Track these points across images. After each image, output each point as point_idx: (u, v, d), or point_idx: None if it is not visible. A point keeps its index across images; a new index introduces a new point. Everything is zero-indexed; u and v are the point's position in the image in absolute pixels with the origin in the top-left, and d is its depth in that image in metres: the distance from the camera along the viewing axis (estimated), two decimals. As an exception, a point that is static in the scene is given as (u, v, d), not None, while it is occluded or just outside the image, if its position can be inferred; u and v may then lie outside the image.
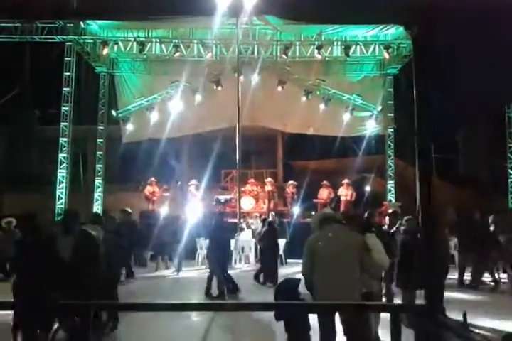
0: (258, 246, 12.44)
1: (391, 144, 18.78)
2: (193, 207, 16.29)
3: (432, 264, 3.03)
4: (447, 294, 6.28)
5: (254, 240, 13.36)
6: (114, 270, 6.92)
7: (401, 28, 16.48)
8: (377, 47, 17.58)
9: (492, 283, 9.88)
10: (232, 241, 13.58)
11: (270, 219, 12.73)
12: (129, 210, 10.95)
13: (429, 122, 2.92)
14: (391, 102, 18.83)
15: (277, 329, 6.52)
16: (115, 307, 5.07)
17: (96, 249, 5.58)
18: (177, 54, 17.03)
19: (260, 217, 14.84)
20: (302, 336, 4.77)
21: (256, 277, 10.77)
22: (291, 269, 11.93)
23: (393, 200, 17.92)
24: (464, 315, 2.34)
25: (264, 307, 3.60)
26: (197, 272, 12.11)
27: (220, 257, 9.14)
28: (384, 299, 6.50)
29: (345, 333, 4.59)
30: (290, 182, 17.62)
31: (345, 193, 16.86)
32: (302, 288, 4.89)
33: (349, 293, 4.52)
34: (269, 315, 5.69)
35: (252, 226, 14.53)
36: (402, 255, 6.95)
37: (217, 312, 7.07)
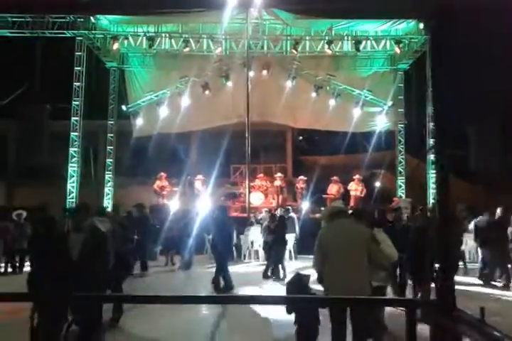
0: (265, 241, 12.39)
1: (401, 140, 18.68)
2: (201, 201, 16.32)
3: (446, 260, 3.03)
4: (460, 289, 6.25)
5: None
6: (124, 262, 6.96)
7: (412, 23, 16.43)
8: (388, 42, 17.46)
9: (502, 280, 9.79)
10: (242, 236, 13.68)
11: (280, 213, 12.76)
12: (144, 205, 11.12)
13: (445, 118, 2.91)
14: (401, 97, 18.71)
15: (285, 322, 6.57)
16: (121, 300, 5.11)
17: (105, 245, 5.63)
18: (186, 49, 17.02)
19: (270, 211, 14.82)
20: (311, 329, 4.82)
21: (265, 275, 10.72)
22: (301, 264, 11.94)
23: (403, 196, 17.85)
24: (482, 311, 2.33)
25: (275, 300, 3.60)
26: (206, 266, 12.13)
27: (221, 251, 9.07)
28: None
29: (354, 326, 4.64)
30: (300, 177, 17.60)
31: (355, 188, 16.78)
32: (314, 283, 4.93)
33: (359, 285, 4.56)
34: (277, 309, 5.72)
35: (262, 221, 14.52)
36: (411, 250, 6.98)
37: (225, 306, 7.13)
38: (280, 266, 10.72)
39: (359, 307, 4.20)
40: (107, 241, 5.69)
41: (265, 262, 11.42)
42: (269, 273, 10.71)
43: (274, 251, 10.97)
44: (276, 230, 11.17)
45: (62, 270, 4.96)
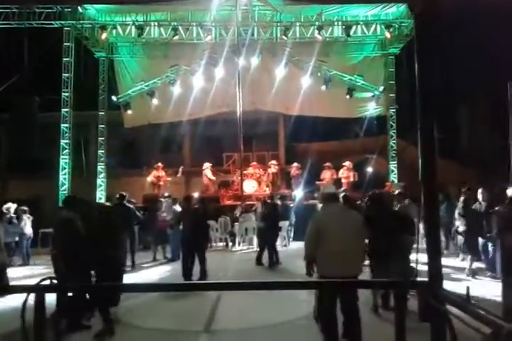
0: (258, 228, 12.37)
1: (393, 124, 18.72)
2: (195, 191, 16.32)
3: (434, 242, 3.08)
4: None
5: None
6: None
7: (402, 7, 16.34)
8: (378, 26, 17.41)
9: None
10: (236, 224, 13.76)
11: (274, 200, 12.78)
12: (124, 194, 11.08)
13: (431, 100, 2.92)
14: (393, 82, 18.71)
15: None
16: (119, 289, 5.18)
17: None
18: (176, 37, 16.88)
19: (264, 199, 14.86)
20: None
21: (258, 261, 10.79)
22: (295, 251, 12.05)
23: (396, 181, 17.96)
24: (467, 290, 2.38)
25: (272, 286, 3.64)
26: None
27: (190, 243, 8.91)
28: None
29: (345, 307, 4.88)
30: (294, 164, 17.66)
31: (346, 175, 16.89)
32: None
33: (356, 268, 4.83)
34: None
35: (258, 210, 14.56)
36: None
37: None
38: (273, 251, 10.82)
39: (351, 290, 4.36)
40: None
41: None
42: (263, 261, 10.80)
43: (268, 238, 11.06)
44: (268, 217, 11.24)
45: None
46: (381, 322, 5.89)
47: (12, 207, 11.51)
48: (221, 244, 13.99)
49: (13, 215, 11.43)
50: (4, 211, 11.45)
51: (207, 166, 17.21)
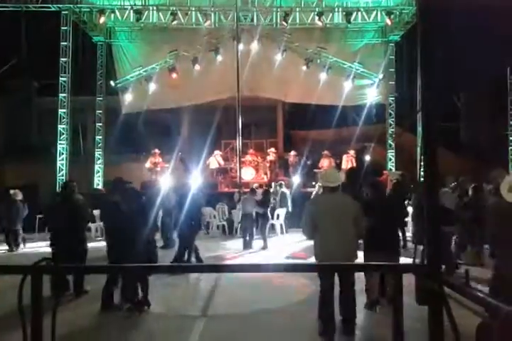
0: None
1: (392, 113, 18.65)
2: (193, 177, 16.23)
3: (433, 224, 3.06)
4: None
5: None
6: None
7: (403, -7, 16.16)
8: (379, 13, 17.21)
9: None
10: (234, 211, 13.75)
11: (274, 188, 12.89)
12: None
13: (434, 88, 2.88)
14: (392, 70, 18.59)
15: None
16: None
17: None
18: (175, 22, 16.66)
19: (261, 187, 14.85)
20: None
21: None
22: (292, 238, 12.09)
23: (393, 169, 17.95)
24: (467, 274, 2.37)
25: (274, 268, 3.64)
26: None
27: (182, 230, 8.87)
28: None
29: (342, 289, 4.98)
30: (292, 152, 17.64)
31: (348, 162, 17.05)
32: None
33: (348, 253, 4.86)
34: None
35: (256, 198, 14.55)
36: None
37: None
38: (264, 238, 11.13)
39: (347, 273, 4.46)
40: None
41: (257, 236, 11.54)
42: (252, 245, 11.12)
43: (260, 224, 11.44)
44: (262, 204, 11.45)
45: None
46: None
47: (17, 192, 11.49)
48: (219, 230, 14.01)
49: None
50: (11, 196, 11.40)
51: (217, 153, 17.35)
